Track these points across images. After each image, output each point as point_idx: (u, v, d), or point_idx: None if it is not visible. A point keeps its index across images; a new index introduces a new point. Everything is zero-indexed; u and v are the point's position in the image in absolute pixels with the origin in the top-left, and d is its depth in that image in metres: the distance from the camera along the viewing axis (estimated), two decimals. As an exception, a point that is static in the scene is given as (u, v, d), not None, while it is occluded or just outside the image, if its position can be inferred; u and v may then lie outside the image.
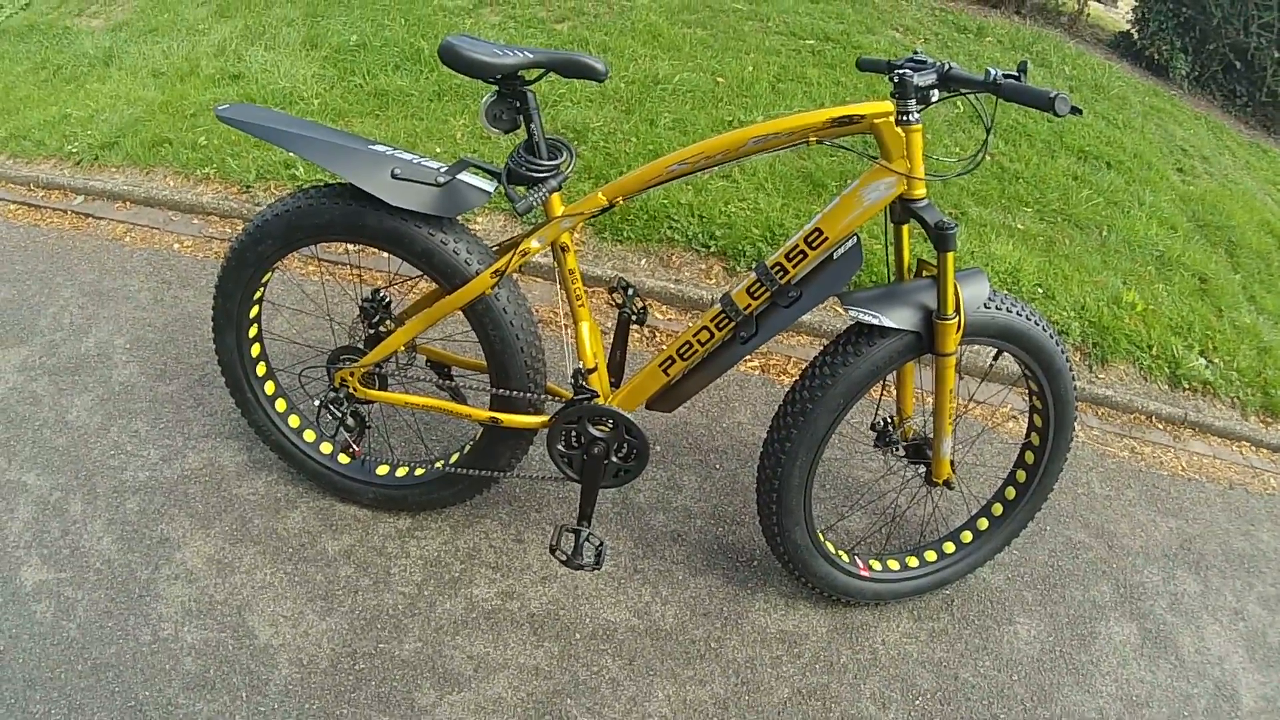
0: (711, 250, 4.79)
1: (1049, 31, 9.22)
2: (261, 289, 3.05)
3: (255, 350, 3.19)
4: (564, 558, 2.89)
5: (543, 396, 2.93)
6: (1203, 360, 5.06)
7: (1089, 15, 10.20)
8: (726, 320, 2.69)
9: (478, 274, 2.67)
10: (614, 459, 2.90)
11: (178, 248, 4.66)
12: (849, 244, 2.58)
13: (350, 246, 2.95)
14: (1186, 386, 4.91)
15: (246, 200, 4.90)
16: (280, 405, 3.27)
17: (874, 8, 8.40)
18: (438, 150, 5.19)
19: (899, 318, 2.59)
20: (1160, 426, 4.72)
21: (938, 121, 6.39)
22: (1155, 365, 4.90)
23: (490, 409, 2.95)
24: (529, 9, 7.24)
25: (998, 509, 3.35)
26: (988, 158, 6.16)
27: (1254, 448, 4.86)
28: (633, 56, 6.54)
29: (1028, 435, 3.25)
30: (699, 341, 2.75)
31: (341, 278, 4.37)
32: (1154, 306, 5.21)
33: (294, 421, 3.29)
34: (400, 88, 5.84)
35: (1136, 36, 9.68)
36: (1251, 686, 3.43)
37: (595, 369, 2.84)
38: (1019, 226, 5.50)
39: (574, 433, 2.88)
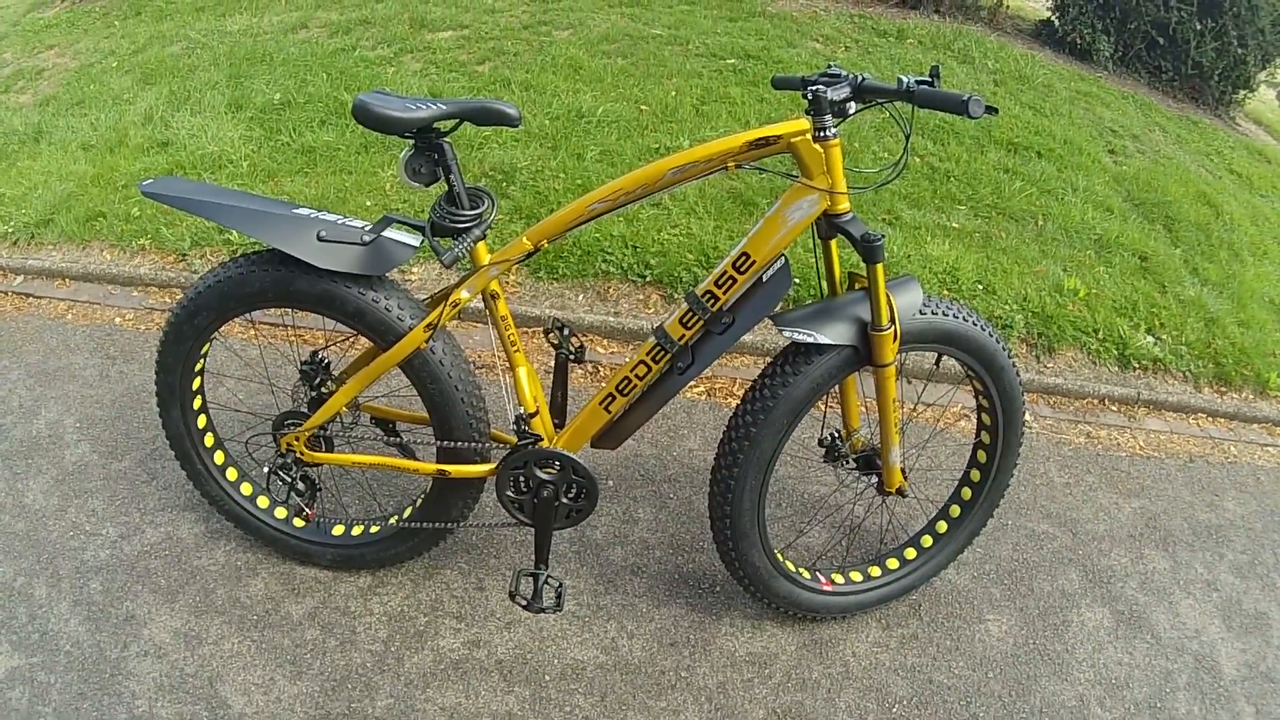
0: (647, 279, 4.80)
1: (969, 27, 9.29)
2: (202, 360, 3.03)
3: (201, 421, 3.17)
4: (524, 602, 2.88)
5: (488, 444, 2.92)
6: (1150, 338, 5.10)
7: (1008, 7, 10.28)
8: (662, 352, 2.70)
9: (411, 329, 2.66)
10: (564, 500, 2.89)
11: (119, 321, 4.63)
12: (777, 265, 2.59)
13: (287, 309, 2.95)
14: (1136, 366, 4.95)
15: (184, 269, 4.87)
16: (231, 474, 3.25)
17: (792, 21, 8.45)
18: (368, 203, 5.18)
19: (834, 334, 2.60)
20: (1114, 408, 4.75)
21: (865, 129, 6.42)
22: (1103, 348, 4.93)
23: (437, 461, 2.93)
24: (449, 53, 7.27)
25: (955, 510, 3.36)
26: (916, 159, 6.20)
27: (1210, 418, 4.91)
28: (555, 92, 6.56)
29: (978, 434, 3.26)
30: (637, 376, 2.75)
31: (281, 339, 4.36)
32: (1096, 290, 5.25)
33: (246, 489, 3.27)
34: (327, 143, 5.84)
35: (1058, 23, 9.77)
36: (1232, 655, 3.46)
37: (537, 412, 2.84)
38: (954, 225, 5.53)
39: (522, 478, 2.87)
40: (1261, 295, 5.96)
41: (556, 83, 6.72)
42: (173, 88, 6.78)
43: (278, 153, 5.77)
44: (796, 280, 4.66)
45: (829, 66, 2.58)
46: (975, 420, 3.28)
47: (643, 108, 6.42)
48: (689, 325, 2.65)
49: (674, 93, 6.67)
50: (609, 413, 2.83)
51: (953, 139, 6.58)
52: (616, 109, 6.33)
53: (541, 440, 2.85)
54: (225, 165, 5.61)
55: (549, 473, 2.86)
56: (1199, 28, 9.28)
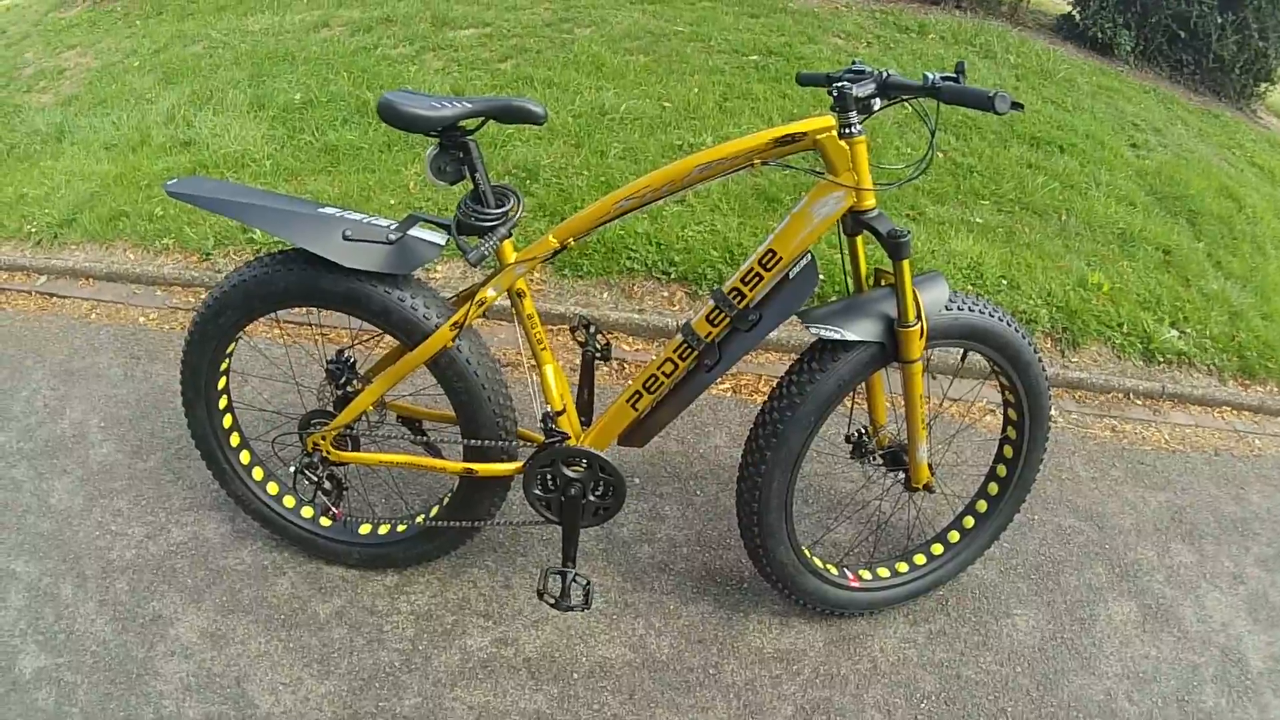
0: (672, 277, 4.80)
1: (991, 22, 9.27)
2: (227, 360, 3.04)
3: (227, 421, 3.18)
4: (552, 601, 2.88)
5: (515, 442, 2.93)
6: (1174, 332, 5.09)
7: (1029, 2, 10.26)
8: (689, 350, 2.69)
9: (437, 328, 2.66)
10: (591, 498, 2.89)
11: (143, 321, 4.64)
12: (804, 262, 2.58)
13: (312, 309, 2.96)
14: (1161, 360, 4.93)
15: (207, 268, 4.89)
16: (258, 474, 3.26)
17: (814, 17, 8.45)
18: (392, 201, 5.19)
19: (861, 330, 2.59)
20: (1139, 402, 4.74)
21: (887, 125, 6.41)
22: (1128, 343, 4.92)
23: (464, 460, 2.94)
24: (471, 51, 7.28)
25: (982, 506, 3.35)
26: (939, 155, 6.19)
27: (1235, 411, 4.89)
28: (578, 89, 6.57)
29: (1004, 429, 3.26)
30: (664, 374, 2.74)
31: (307, 339, 4.37)
32: (1120, 285, 5.23)
33: (272, 489, 3.27)
34: (350, 141, 5.85)
35: (1079, 18, 9.73)
36: (1258, 648, 3.45)
37: (564, 411, 2.84)
38: (978, 220, 5.52)
39: (549, 476, 2.87)
40: (1284, 288, 5.95)
41: (579, 80, 6.73)
42: (195, 87, 6.80)
43: (300, 152, 5.79)
44: (823, 277, 4.65)
45: (853, 63, 2.57)
46: (1001, 415, 3.27)
47: (665, 104, 6.43)
48: (715, 323, 2.65)
49: (696, 89, 6.67)
50: (636, 410, 2.83)
51: (975, 134, 6.57)
52: (639, 106, 6.33)
53: (568, 438, 2.85)
54: (248, 164, 5.63)
55: (576, 471, 2.86)
56: (1220, 21, 9.25)
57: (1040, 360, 2.96)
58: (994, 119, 6.77)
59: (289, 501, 3.28)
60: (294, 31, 7.92)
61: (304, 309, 2.82)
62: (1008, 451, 3.25)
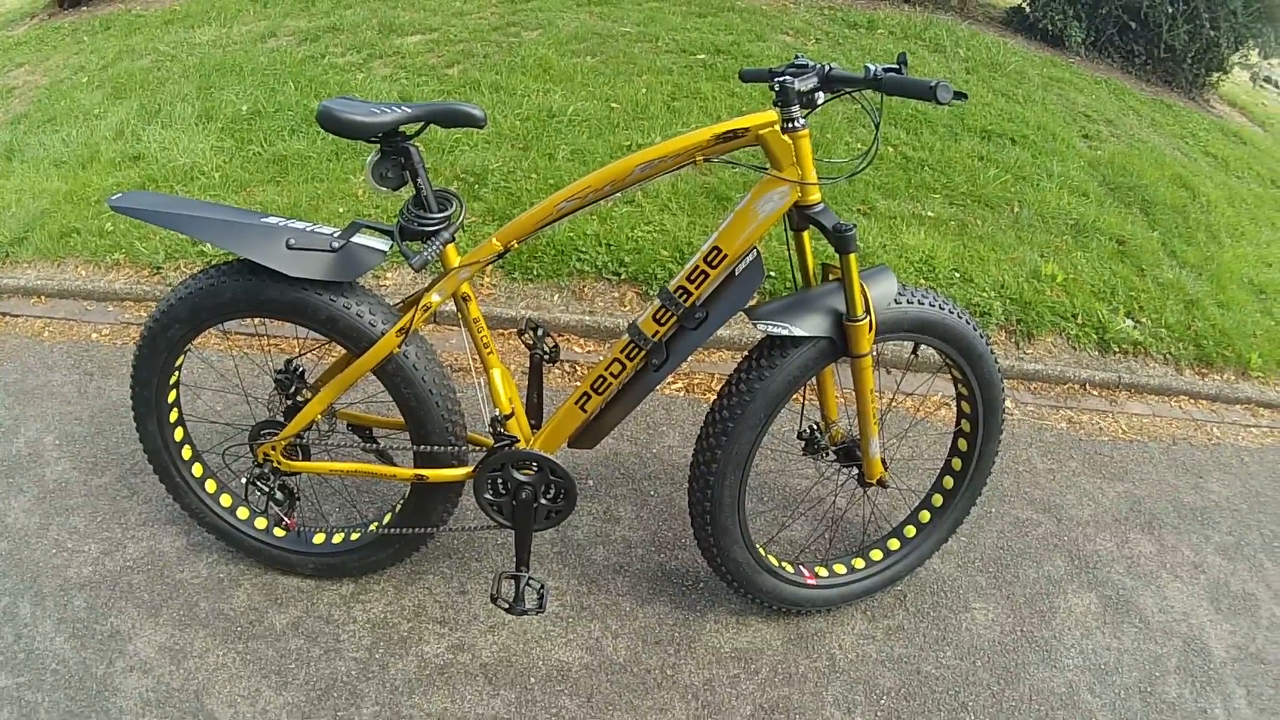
0: (622, 277, 4.80)
1: (940, 16, 9.33)
2: (176, 373, 3.03)
3: (179, 434, 3.16)
4: (506, 605, 2.87)
5: (465, 447, 2.91)
6: (1130, 321, 5.12)
7: (978, -5, 10.30)
8: (636, 350, 2.68)
9: (383, 335, 2.65)
10: (543, 501, 2.89)
11: (96, 337, 4.61)
12: (749, 258, 2.58)
13: (260, 319, 2.96)
14: (1117, 350, 4.96)
15: (158, 282, 4.86)
16: (210, 486, 3.24)
17: (762, 15, 8.48)
18: (341, 210, 5.17)
19: (809, 325, 2.59)
20: (1095, 393, 4.76)
21: (836, 120, 6.44)
22: (1082, 333, 4.94)
23: (414, 466, 2.93)
24: (419, 57, 7.27)
25: (938, 499, 3.35)
26: (889, 149, 6.21)
27: (1192, 400, 4.92)
28: (525, 93, 6.57)
29: (958, 422, 3.26)
30: (612, 374, 2.74)
31: (257, 350, 4.35)
32: (1074, 275, 5.26)
33: (226, 501, 3.25)
34: (298, 151, 5.83)
35: (1029, 10, 9.80)
36: (1221, 637, 3.47)
37: (512, 414, 2.83)
38: (929, 214, 5.54)
39: (499, 480, 2.86)
40: (1240, 276, 5.98)
41: (527, 83, 6.73)
42: (143, 101, 6.77)
43: (249, 163, 5.76)
44: (772, 274, 4.66)
45: (796, 58, 2.58)
46: (955, 408, 3.27)
47: (613, 105, 6.43)
48: (663, 321, 2.64)
49: (644, 90, 6.69)
50: (585, 412, 2.82)
51: (926, 128, 6.60)
52: (587, 108, 6.33)
53: (518, 442, 2.84)
54: (197, 177, 5.60)
55: (526, 474, 2.85)
56: (1170, 11, 9.32)
57: (992, 352, 2.97)
58: (944, 113, 6.81)
59: (243, 513, 3.26)
60: (242, 42, 7.90)
61: (253, 320, 2.80)
62: (962, 444, 3.25)
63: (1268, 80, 13.02)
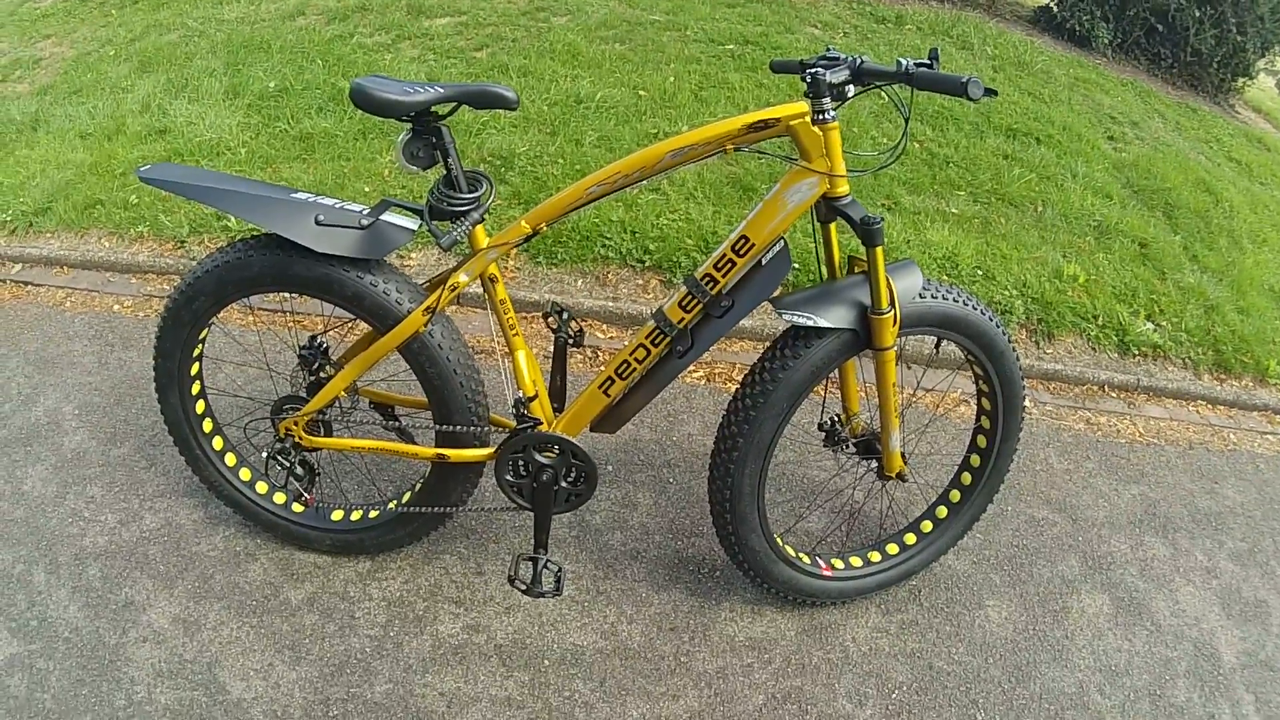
0: (646, 265, 4.80)
1: (968, 13, 9.28)
2: (200, 345, 3.03)
3: (200, 407, 3.17)
4: (524, 587, 2.88)
5: (487, 428, 2.92)
6: (1150, 324, 5.10)
7: (1006, -7, 10.27)
8: (662, 336, 2.69)
9: (409, 313, 2.66)
10: (563, 484, 2.90)
11: (118, 309, 4.62)
12: (776, 248, 2.59)
13: (285, 295, 2.95)
14: (1136, 352, 4.95)
15: (182, 256, 4.87)
16: (230, 460, 3.25)
17: (791, 7, 8.45)
18: (366, 189, 5.19)
19: (833, 317, 2.59)
20: (1114, 395, 4.75)
21: (862, 114, 6.42)
22: (1103, 335, 4.93)
23: (436, 446, 2.93)
24: (447, 39, 7.27)
25: (955, 495, 3.36)
26: (915, 145, 6.19)
27: (1210, 406, 4.91)
28: (554, 78, 6.56)
29: (978, 419, 3.26)
30: (636, 360, 2.74)
31: (280, 325, 4.36)
32: (1096, 276, 5.24)
33: (245, 475, 3.27)
34: (325, 129, 5.83)
35: (1056, 10, 9.75)
36: (1231, 643, 3.47)
37: (536, 396, 2.84)
38: (953, 211, 5.53)
39: (521, 462, 2.87)
40: (1261, 283, 5.97)
41: (554, 68, 6.72)
42: (170, 76, 6.76)
43: (275, 140, 5.76)
44: (796, 265, 4.66)
45: (828, 50, 2.57)
46: (975, 405, 3.27)
47: (641, 93, 6.42)
48: (688, 309, 2.65)
49: (672, 78, 6.67)
50: (608, 396, 2.83)
51: (952, 125, 6.58)
52: (615, 94, 6.33)
53: (540, 424, 2.85)
54: (223, 152, 5.60)
55: (548, 457, 2.86)
56: (1198, 15, 9.28)
57: (1014, 350, 2.96)
58: (970, 110, 6.79)
59: (261, 487, 3.27)
60: (269, 20, 7.88)
61: (277, 295, 2.81)
62: (981, 441, 3.25)
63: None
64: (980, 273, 4.99)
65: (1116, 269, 5.41)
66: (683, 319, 2.66)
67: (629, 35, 7.49)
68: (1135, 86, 8.86)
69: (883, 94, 2.67)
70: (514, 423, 2.88)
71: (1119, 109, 7.97)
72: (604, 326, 4.59)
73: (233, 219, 4.93)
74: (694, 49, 7.30)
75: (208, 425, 3.20)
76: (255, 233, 2.75)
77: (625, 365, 2.76)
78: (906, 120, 2.53)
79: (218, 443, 3.23)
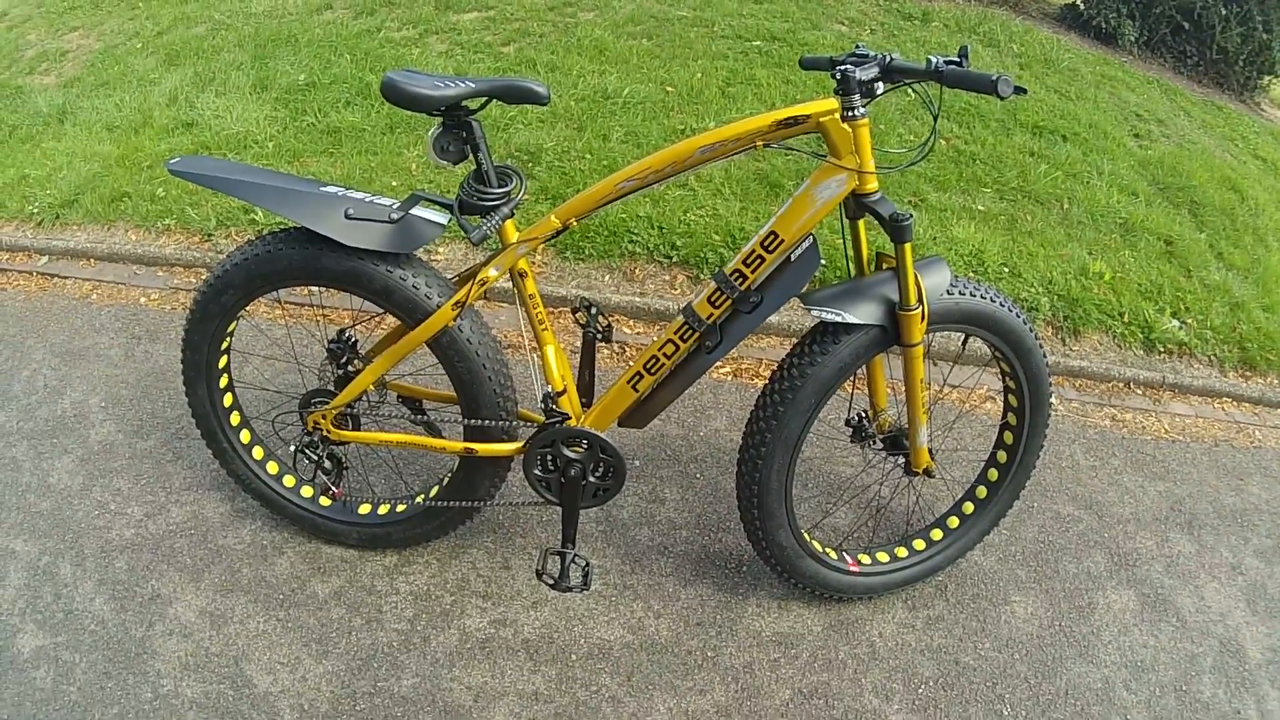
0: (674, 260, 4.80)
1: (995, 11, 9.24)
2: (228, 339, 3.04)
3: (228, 400, 3.18)
4: (551, 581, 2.90)
5: (515, 423, 2.93)
6: (1176, 322, 5.09)
7: (1033, -10, 10.23)
8: (690, 331, 2.70)
9: (438, 307, 2.67)
10: (591, 479, 2.90)
11: (144, 301, 4.64)
12: (805, 244, 2.58)
13: (313, 289, 2.96)
14: (1162, 349, 4.93)
15: (209, 249, 4.88)
16: (258, 453, 3.26)
17: (818, 3, 8.43)
18: (394, 183, 5.20)
19: (862, 313, 2.59)
20: (1139, 392, 4.74)
21: (890, 111, 6.41)
22: (1128, 332, 4.92)
23: (464, 440, 2.94)
24: (474, 34, 7.28)
25: (982, 492, 3.36)
26: (941, 142, 6.19)
27: (1235, 403, 4.89)
28: (581, 73, 6.57)
29: (1004, 415, 3.26)
30: (665, 355, 2.75)
31: (309, 319, 4.37)
32: (1122, 274, 5.23)
33: (272, 468, 3.28)
34: (352, 123, 5.84)
35: (1083, 7, 9.70)
36: (1257, 639, 3.46)
37: (564, 391, 2.84)
38: (979, 208, 5.52)
39: (549, 456, 2.88)
40: (1286, 281, 5.95)
41: (582, 64, 6.72)
42: (197, 69, 6.79)
43: (303, 133, 5.78)
44: (824, 262, 4.66)
45: (857, 47, 2.57)
46: (1002, 402, 3.27)
47: (668, 89, 6.42)
48: (717, 304, 2.65)
49: (699, 74, 6.66)
50: (636, 391, 2.83)
51: (978, 122, 6.57)
52: (642, 90, 6.33)
53: (569, 419, 2.85)
54: (250, 146, 5.63)
55: (576, 451, 2.87)
56: (1224, 13, 9.22)
57: (1041, 347, 2.96)
58: (997, 107, 6.77)
59: (289, 481, 3.29)
60: (297, 13, 7.90)
61: (305, 288, 2.81)
62: (1008, 438, 3.25)
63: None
64: (1006, 270, 4.98)
65: (1142, 266, 5.39)
66: (711, 314, 2.67)
67: (656, 31, 7.49)
68: (1161, 84, 8.82)
69: (912, 91, 2.66)
70: (542, 417, 2.88)
71: (1145, 106, 7.95)
72: (631, 322, 4.59)
73: (260, 212, 4.95)
74: (721, 45, 7.29)
75: (235, 418, 3.22)
76: (284, 226, 2.76)
77: (654, 360, 2.77)
78: (936, 118, 2.52)
79: (245, 436, 3.25)
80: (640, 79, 6.53)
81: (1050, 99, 7.32)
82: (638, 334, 4.51)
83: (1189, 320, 5.14)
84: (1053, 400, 4.17)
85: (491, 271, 2.66)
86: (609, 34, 7.29)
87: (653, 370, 2.78)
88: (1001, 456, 3.29)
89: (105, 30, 8.02)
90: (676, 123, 5.94)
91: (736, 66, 6.88)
